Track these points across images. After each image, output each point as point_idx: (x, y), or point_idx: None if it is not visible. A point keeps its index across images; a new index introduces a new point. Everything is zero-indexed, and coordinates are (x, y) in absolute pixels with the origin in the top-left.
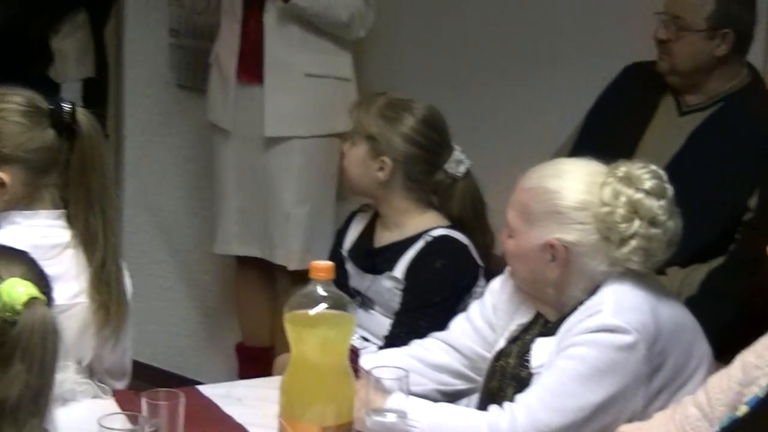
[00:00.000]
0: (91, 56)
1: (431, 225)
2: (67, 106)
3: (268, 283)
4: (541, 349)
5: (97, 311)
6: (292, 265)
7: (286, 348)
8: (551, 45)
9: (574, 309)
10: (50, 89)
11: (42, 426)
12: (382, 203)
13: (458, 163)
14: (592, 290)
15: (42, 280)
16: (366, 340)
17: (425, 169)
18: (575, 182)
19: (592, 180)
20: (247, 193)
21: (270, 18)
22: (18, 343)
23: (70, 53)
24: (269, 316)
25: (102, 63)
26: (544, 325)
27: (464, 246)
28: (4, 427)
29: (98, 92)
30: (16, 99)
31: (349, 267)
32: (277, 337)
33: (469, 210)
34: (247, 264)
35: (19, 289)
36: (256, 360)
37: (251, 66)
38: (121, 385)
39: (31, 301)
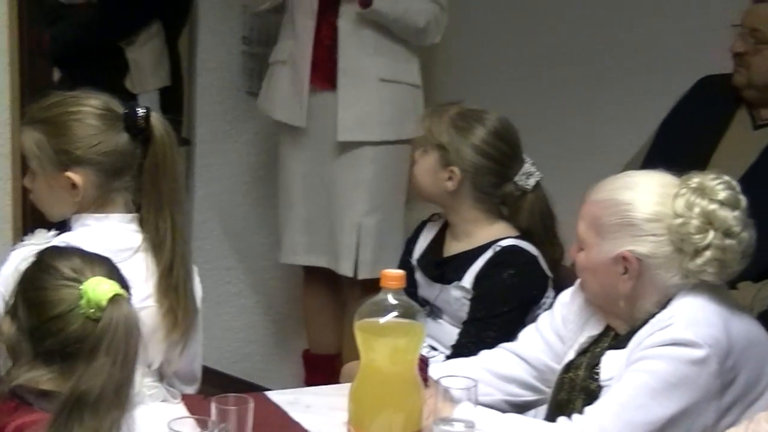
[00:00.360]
0: (166, 65)
1: (500, 235)
2: (141, 111)
3: (336, 291)
4: (611, 362)
5: (165, 315)
6: (362, 275)
7: (353, 356)
8: (624, 56)
9: (645, 322)
10: (127, 100)
11: (122, 420)
12: (450, 212)
13: (528, 175)
14: (664, 303)
15: (123, 283)
16: (434, 349)
17: (494, 180)
18: (647, 194)
19: (665, 191)
20: (314, 202)
21: (345, 22)
22: (103, 337)
23: (145, 63)
24: (336, 323)
25: (177, 72)
26: (615, 338)
27: (533, 257)
28: (86, 418)
29: (174, 100)
30: (92, 102)
31: (418, 276)
32: (344, 345)
33: (539, 223)
34: (314, 272)
35: (103, 287)
36: (322, 367)
37: (325, 71)
38: (190, 389)
39: (115, 298)
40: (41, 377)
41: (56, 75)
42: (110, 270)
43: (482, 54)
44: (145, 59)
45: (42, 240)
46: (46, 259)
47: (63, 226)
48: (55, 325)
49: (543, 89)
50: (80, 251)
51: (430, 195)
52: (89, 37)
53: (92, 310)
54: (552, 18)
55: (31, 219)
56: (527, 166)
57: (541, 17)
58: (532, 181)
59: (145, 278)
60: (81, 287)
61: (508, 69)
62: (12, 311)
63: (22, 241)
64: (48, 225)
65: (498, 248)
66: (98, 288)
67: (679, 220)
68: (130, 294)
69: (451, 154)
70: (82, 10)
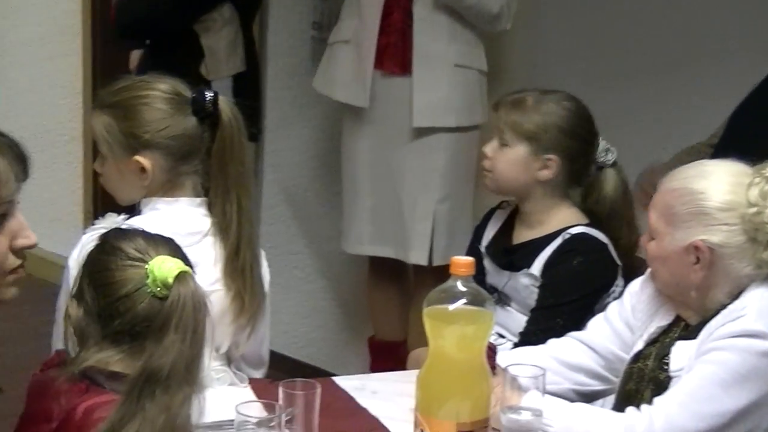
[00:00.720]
0: (240, 52)
1: (571, 222)
2: (209, 95)
3: (401, 278)
4: (680, 353)
5: (233, 299)
6: (437, 261)
7: (419, 342)
8: (697, 42)
9: (716, 312)
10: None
11: (193, 396)
12: (527, 201)
13: (607, 151)
14: (736, 294)
15: (186, 258)
16: (501, 336)
17: (584, 162)
18: (721, 183)
19: (738, 180)
20: (381, 191)
21: (420, 7)
22: (172, 314)
23: (220, 49)
24: (401, 310)
25: (252, 58)
26: (685, 328)
27: (603, 244)
28: (157, 395)
29: (249, 86)
30: (160, 86)
31: (487, 263)
32: (410, 332)
33: (620, 199)
34: (379, 260)
35: (169, 264)
36: (387, 354)
37: (395, 55)
38: (258, 374)
39: (181, 275)
40: (111, 358)
41: (133, 63)
42: (174, 249)
43: (552, 36)
44: (219, 45)
45: (112, 224)
46: (110, 240)
47: (133, 210)
48: (122, 305)
49: (607, 78)
50: (143, 232)
51: (515, 188)
52: (158, 16)
53: (158, 289)
54: (619, 5)
55: (101, 203)
56: (603, 142)
57: (607, 5)
58: (611, 157)
59: (213, 262)
60: (147, 266)
61: (576, 53)
62: (78, 294)
63: (92, 225)
64: (118, 209)
65: (568, 235)
66: (164, 266)
67: (753, 210)
68: (194, 272)
69: (544, 142)
70: None
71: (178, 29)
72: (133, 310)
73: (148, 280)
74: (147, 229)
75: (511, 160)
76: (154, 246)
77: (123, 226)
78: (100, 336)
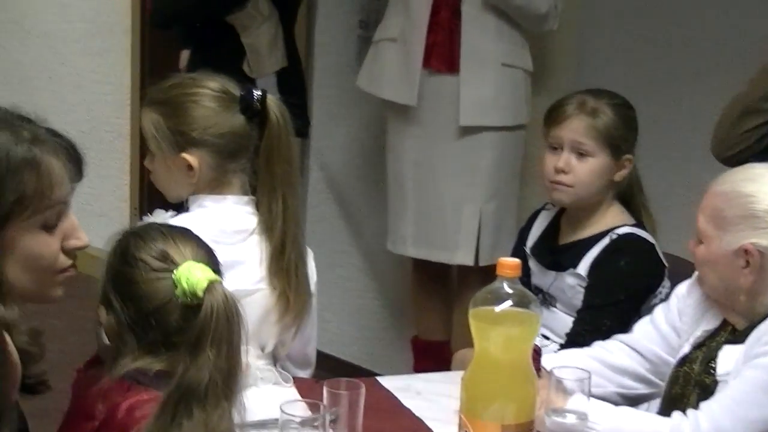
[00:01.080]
0: (281, 48)
1: (617, 222)
2: (257, 93)
3: (445, 278)
4: (727, 357)
5: (278, 298)
6: (483, 261)
7: (463, 343)
8: (750, 44)
9: (765, 317)
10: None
11: (232, 408)
12: (583, 202)
13: None
14: None
15: (211, 257)
16: (546, 338)
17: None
18: None
19: None
20: (426, 191)
21: (469, 6)
22: (205, 329)
23: (261, 47)
24: (445, 311)
25: (294, 54)
26: (732, 333)
27: (650, 245)
28: (195, 412)
29: (292, 82)
30: (210, 84)
31: (532, 264)
32: (454, 332)
33: (636, 184)
34: (423, 261)
35: (196, 274)
36: (431, 354)
37: (442, 54)
38: (304, 374)
39: (210, 285)
40: (150, 365)
41: (182, 62)
42: (196, 246)
43: (596, 38)
44: (260, 43)
45: (160, 220)
46: (130, 249)
47: (181, 207)
48: (154, 318)
49: (650, 78)
50: (161, 232)
51: (594, 195)
52: (190, 7)
53: (189, 299)
54: (664, 6)
55: (148, 199)
56: None
57: (651, 7)
58: None
59: (258, 261)
60: (174, 275)
61: (619, 57)
62: (105, 302)
63: (141, 220)
64: (166, 205)
65: (615, 236)
66: (192, 277)
67: None
68: (219, 266)
69: (620, 142)
70: None
71: (210, 18)
72: (166, 321)
73: (177, 291)
74: (193, 227)
75: (595, 170)
76: (176, 248)
77: (138, 225)
78: (136, 345)
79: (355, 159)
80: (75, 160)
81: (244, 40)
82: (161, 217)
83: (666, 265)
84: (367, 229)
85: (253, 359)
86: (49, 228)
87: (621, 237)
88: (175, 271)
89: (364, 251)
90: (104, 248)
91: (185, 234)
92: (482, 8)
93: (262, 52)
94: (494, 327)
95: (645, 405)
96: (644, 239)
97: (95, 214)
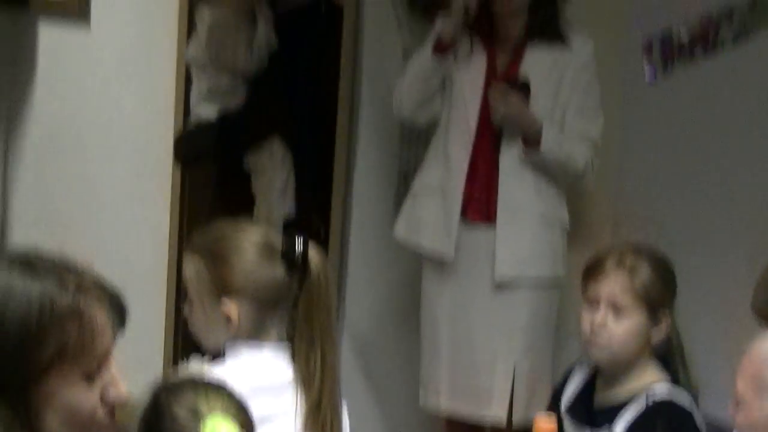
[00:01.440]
0: (291, 194)
1: (654, 379)
2: (299, 245)
3: None
4: None
5: None
6: (517, 419)
7: None
8: None
9: None
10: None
11: None
12: (619, 362)
13: None
14: None
15: (243, 411)
16: None
17: None
18: None
19: None
20: (461, 347)
21: (507, 159)
22: None
23: (269, 194)
24: None
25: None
26: None
27: (688, 413)
28: None
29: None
30: (252, 234)
31: (566, 421)
32: None
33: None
34: (456, 421)
35: (221, 430)
36: None
37: (479, 206)
38: None
39: None
40: None
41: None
42: (227, 399)
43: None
44: (267, 190)
45: (197, 370)
46: (161, 402)
47: (218, 353)
48: None
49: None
50: (193, 384)
51: (631, 354)
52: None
53: None
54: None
55: (182, 347)
56: None
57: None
58: None
59: (294, 415)
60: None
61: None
62: None
63: (178, 366)
64: (202, 350)
65: (652, 400)
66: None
67: None
68: (251, 421)
69: (658, 300)
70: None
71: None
72: None
73: None
74: (229, 379)
75: (633, 329)
76: (206, 399)
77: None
78: None
79: (389, 314)
80: (118, 310)
81: (254, 186)
82: (198, 363)
83: None
84: (399, 387)
85: None
86: (90, 378)
87: (658, 403)
88: (202, 427)
89: (395, 407)
90: (137, 397)
91: (218, 388)
92: (520, 162)
93: (271, 198)
94: None
95: None
96: (681, 406)
97: (129, 360)
